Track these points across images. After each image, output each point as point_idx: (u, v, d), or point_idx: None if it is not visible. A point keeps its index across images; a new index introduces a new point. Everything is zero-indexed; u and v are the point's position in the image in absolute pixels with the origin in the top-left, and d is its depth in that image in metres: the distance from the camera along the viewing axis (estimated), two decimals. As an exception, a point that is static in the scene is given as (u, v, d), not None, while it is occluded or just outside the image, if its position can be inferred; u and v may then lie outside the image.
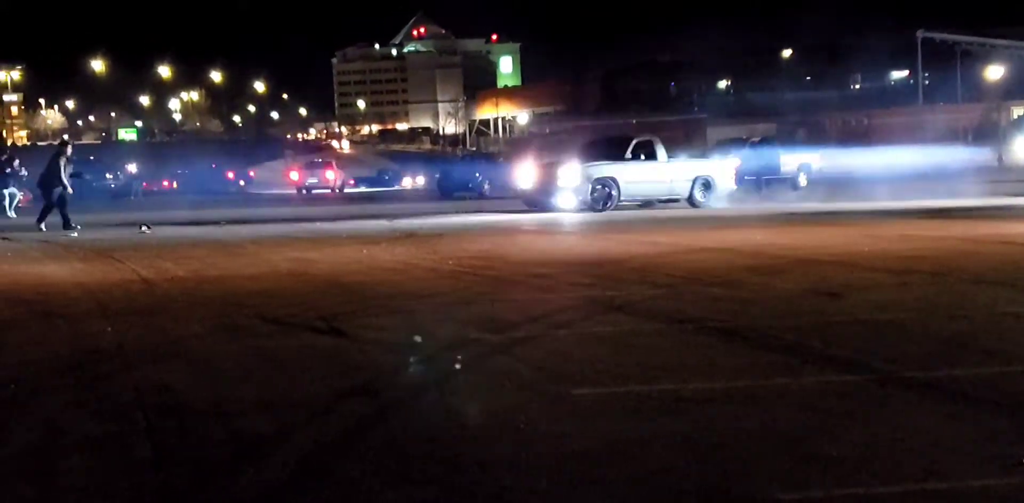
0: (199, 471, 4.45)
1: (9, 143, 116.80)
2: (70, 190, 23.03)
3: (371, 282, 11.23)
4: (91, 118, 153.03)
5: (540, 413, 5.28)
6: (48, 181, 22.96)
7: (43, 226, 22.54)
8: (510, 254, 14.29)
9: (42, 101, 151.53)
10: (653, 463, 4.41)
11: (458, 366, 6.56)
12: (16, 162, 32.71)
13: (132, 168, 62.63)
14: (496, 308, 9.06)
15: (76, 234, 21.19)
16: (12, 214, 30.57)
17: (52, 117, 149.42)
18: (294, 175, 59.74)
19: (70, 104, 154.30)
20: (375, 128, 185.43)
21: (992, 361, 6.37)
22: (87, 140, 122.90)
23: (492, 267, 12.39)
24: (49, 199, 23.00)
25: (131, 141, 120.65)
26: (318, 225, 22.91)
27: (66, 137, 31.13)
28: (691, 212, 25.75)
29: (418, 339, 7.58)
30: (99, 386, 6.20)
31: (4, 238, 20.10)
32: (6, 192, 31.82)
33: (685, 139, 60.21)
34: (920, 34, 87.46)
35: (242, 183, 75.07)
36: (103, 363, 6.93)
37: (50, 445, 4.92)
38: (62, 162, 22.77)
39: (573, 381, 6.00)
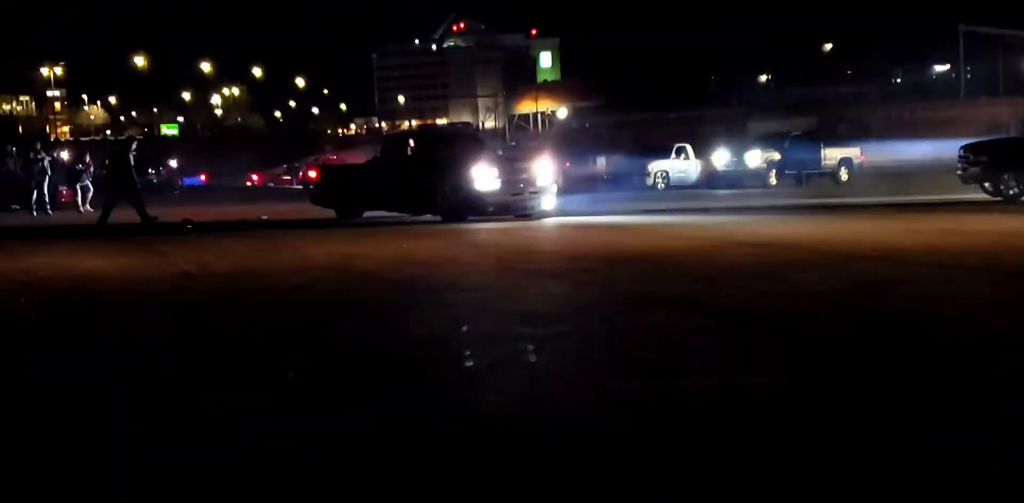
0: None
1: (53, 138, 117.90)
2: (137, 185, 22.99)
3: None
4: (133, 113, 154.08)
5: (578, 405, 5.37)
6: (117, 177, 22.69)
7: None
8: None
9: (85, 97, 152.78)
10: (690, 457, 4.49)
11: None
12: (87, 157, 33.28)
13: (173, 163, 63.00)
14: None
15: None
16: (87, 208, 30.74)
17: (95, 113, 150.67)
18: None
19: (112, 100, 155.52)
20: (415, 123, 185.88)
21: None
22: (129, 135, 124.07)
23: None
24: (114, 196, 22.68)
25: (173, 136, 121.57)
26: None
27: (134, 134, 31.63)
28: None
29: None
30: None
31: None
32: (79, 187, 32.01)
33: (725, 133, 59.97)
34: (962, 27, 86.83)
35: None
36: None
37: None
38: (131, 157, 22.64)
39: (613, 375, 6.10)
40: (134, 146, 23.33)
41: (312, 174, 39.54)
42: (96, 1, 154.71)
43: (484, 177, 21.34)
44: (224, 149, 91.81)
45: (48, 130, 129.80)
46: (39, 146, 32.62)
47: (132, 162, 22.53)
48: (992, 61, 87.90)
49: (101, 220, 22.06)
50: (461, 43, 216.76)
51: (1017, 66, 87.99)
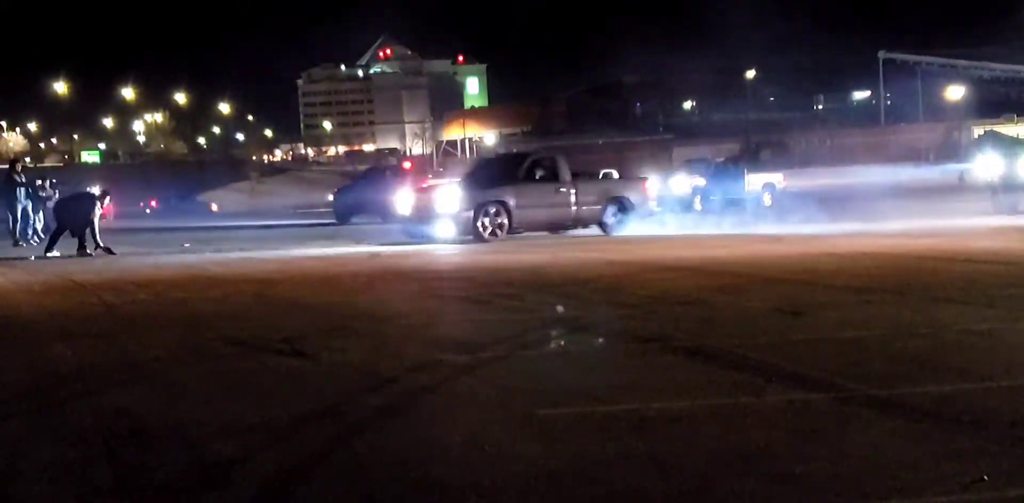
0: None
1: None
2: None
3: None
4: (53, 140, 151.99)
5: (506, 434, 5.28)
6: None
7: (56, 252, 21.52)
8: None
9: (3, 124, 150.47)
10: (619, 483, 4.42)
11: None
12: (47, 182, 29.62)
13: (95, 190, 61.84)
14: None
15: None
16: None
17: (14, 139, 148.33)
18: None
19: (32, 126, 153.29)
20: (342, 149, 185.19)
21: (952, 379, 6.41)
22: (50, 163, 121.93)
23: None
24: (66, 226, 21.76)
25: (94, 163, 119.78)
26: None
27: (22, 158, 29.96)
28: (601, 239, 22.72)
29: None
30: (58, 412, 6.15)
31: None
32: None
33: (651, 159, 60.45)
34: (882, 54, 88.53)
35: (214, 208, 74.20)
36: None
37: (9, 471, 4.87)
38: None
39: (539, 402, 6.00)
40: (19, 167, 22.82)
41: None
42: (14, 26, 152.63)
43: None
44: (147, 176, 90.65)
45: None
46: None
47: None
48: (912, 88, 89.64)
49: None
50: (388, 69, 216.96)
51: (936, 92, 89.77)
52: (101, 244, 21.11)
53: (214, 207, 68.93)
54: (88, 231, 21.28)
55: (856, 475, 4.46)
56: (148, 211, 66.73)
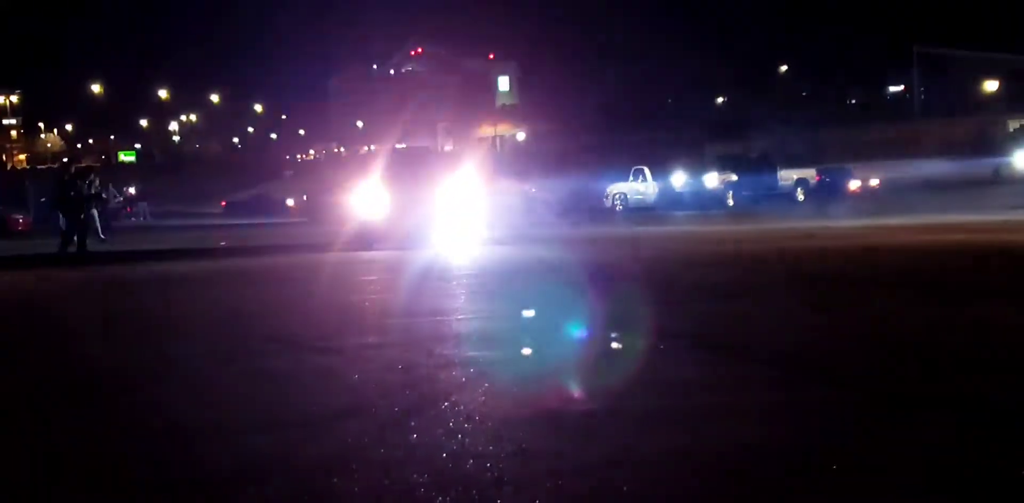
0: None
1: (8, 167, 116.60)
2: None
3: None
4: (90, 141, 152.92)
5: (538, 430, 5.31)
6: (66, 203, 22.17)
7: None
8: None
9: (41, 125, 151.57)
10: (651, 479, 4.44)
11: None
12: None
13: (132, 190, 62.21)
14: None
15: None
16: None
17: (51, 140, 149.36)
18: None
19: (69, 127, 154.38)
20: (373, 147, 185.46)
21: (990, 374, 6.39)
22: (86, 163, 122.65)
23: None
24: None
25: (130, 163, 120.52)
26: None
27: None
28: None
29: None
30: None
31: None
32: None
33: (683, 155, 60.16)
34: (917, 49, 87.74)
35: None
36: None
37: (48, 467, 4.94)
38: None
39: (570, 398, 6.04)
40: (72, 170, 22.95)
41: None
42: (52, 29, 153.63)
43: None
44: (183, 175, 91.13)
45: (3, 159, 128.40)
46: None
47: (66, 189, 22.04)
48: (946, 82, 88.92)
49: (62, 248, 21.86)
50: (419, 67, 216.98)
51: (971, 86, 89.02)
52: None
53: (290, 203, 66.12)
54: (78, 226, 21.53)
55: (893, 472, 4.47)
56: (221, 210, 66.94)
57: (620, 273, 13.67)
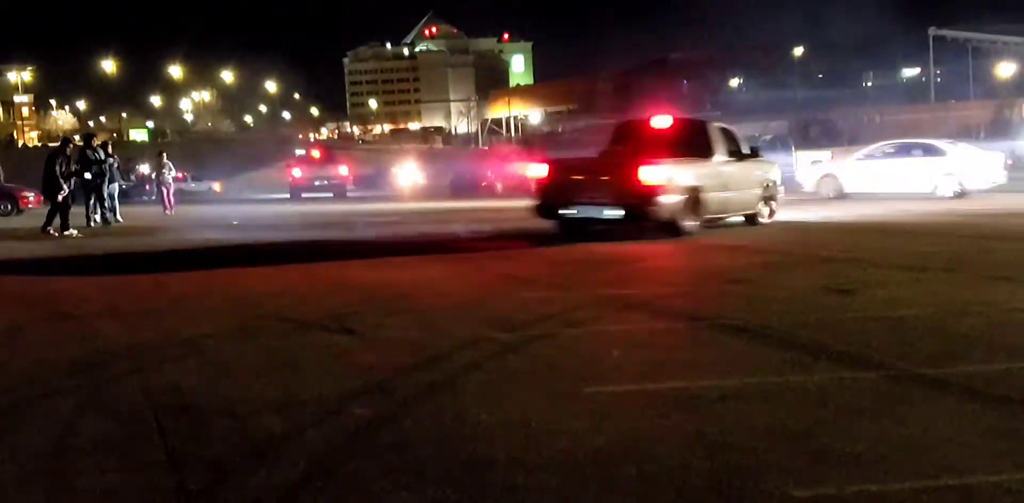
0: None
1: (20, 144, 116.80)
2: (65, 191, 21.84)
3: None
4: (102, 119, 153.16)
5: (553, 411, 5.28)
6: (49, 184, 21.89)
7: (52, 230, 21.67)
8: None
9: (53, 102, 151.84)
10: (666, 460, 4.41)
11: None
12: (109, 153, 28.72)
13: (144, 168, 62.03)
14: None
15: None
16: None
17: (63, 118, 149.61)
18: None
19: (81, 105, 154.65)
20: (387, 127, 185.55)
21: (1003, 357, 6.35)
22: (99, 141, 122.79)
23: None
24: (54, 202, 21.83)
25: (142, 141, 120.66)
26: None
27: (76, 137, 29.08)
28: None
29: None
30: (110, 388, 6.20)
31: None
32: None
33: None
34: (932, 31, 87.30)
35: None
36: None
37: (61, 446, 4.92)
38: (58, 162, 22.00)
39: (586, 379, 6.00)
40: (67, 150, 22.97)
41: None
42: (65, 6, 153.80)
43: None
44: (196, 154, 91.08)
45: (15, 136, 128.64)
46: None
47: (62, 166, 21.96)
48: (962, 65, 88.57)
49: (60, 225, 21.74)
50: (433, 47, 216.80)
51: (986, 69, 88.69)
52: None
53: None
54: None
55: (906, 454, 4.43)
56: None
57: None
